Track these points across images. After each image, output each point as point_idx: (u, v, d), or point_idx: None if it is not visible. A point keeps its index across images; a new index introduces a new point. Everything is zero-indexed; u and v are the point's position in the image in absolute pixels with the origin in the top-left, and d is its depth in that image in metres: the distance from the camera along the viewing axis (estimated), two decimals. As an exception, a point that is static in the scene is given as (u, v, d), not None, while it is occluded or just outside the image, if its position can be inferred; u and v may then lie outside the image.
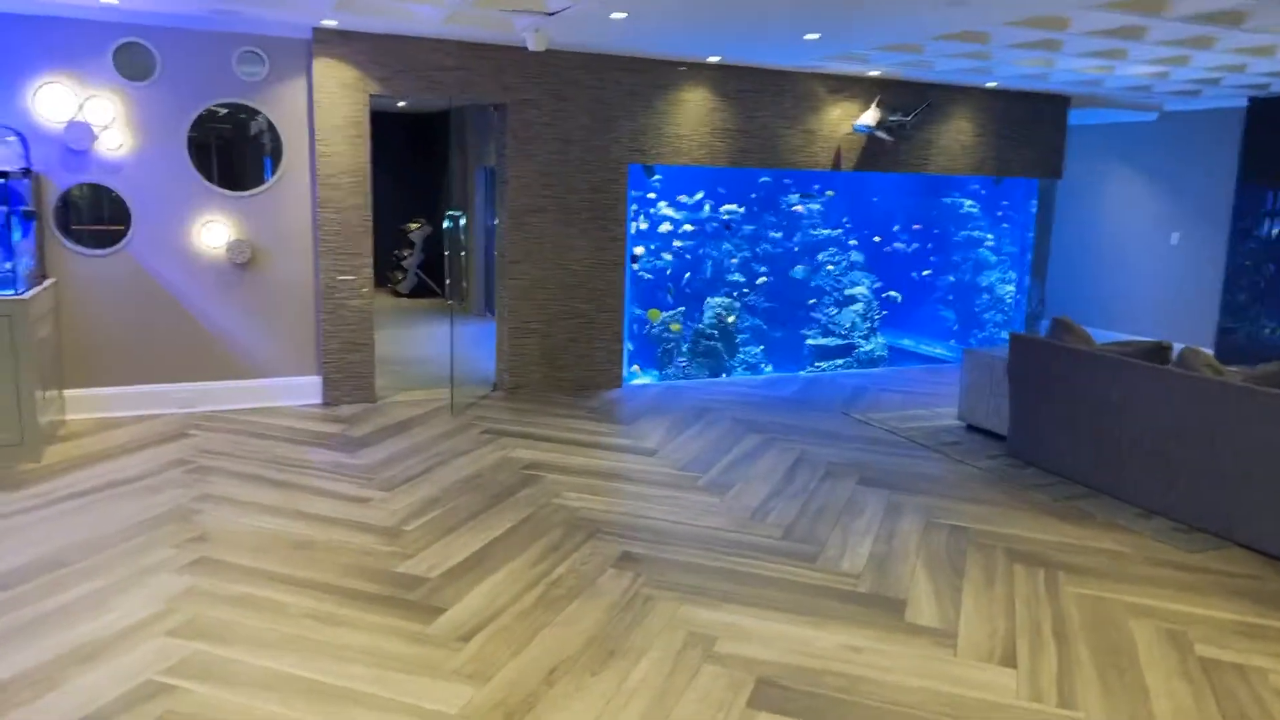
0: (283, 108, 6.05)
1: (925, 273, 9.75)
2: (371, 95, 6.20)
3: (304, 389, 6.36)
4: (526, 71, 6.56)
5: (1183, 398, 4.57)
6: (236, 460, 5.10)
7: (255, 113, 6.00)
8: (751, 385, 7.59)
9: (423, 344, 8.73)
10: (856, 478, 5.17)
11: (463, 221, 6.36)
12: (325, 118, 6.08)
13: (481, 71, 6.43)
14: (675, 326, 7.80)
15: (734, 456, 5.49)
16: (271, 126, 6.04)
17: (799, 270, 8.79)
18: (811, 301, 9.47)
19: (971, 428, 6.31)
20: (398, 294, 12.39)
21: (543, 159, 6.72)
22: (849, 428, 6.25)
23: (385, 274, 12.75)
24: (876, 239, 9.90)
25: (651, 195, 8.86)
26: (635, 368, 8.30)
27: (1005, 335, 9.78)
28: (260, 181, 6.08)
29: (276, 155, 6.09)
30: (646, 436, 5.87)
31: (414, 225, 12.46)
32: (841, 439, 5.96)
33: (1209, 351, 7.70)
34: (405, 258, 12.62)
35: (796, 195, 9.18)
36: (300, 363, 6.34)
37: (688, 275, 9.09)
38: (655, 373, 8.72)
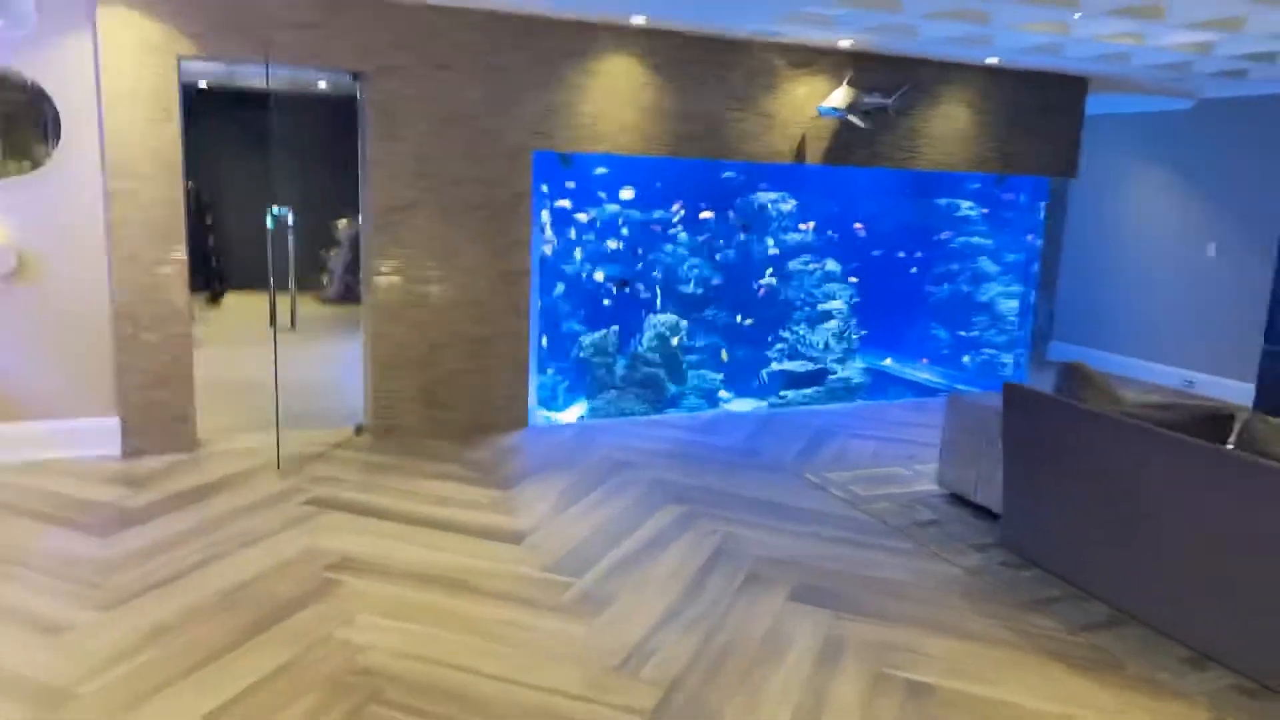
0: (59, 72, 4.63)
1: (852, 279, 8.27)
2: (182, 56, 4.78)
3: (99, 436, 4.95)
4: (396, 32, 5.14)
5: (1251, 491, 3.14)
6: (-68, 551, 3.70)
7: (19, 78, 4.58)
8: (692, 427, 6.16)
9: (326, 365, 7.32)
10: (790, 586, 3.74)
11: (290, 219, 4.94)
12: (118, 86, 4.66)
13: (335, 29, 5.01)
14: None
15: (632, 545, 4.07)
16: (44, 96, 4.62)
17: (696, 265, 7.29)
18: (747, 321, 8.01)
19: (955, 498, 4.87)
20: (323, 300, 10.99)
21: (416, 142, 5.30)
22: (798, 495, 4.82)
23: (311, 277, 11.37)
24: (823, 233, 8.43)
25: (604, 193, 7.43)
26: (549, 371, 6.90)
27: (1006, 360, 8.34)
28: (27, 168, 4.67)
29: (51, 135, 4.67)
30: (525, 509, 4.45)
31: (343, 222, 11.06)
32: (784, 514, 4.53)
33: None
34: (331, 258, 11.23)
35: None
36: (92, 401, 4.93)
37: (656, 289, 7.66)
38: (585, 399, 7.31)
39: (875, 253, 8.53)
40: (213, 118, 10.66)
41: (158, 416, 5.00)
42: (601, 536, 4.15)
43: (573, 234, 7.49)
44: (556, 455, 5.33)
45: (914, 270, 8.65)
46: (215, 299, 10.44)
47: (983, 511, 4.65)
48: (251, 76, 9.74)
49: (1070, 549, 3.86)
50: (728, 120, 6.06)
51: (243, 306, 10.02)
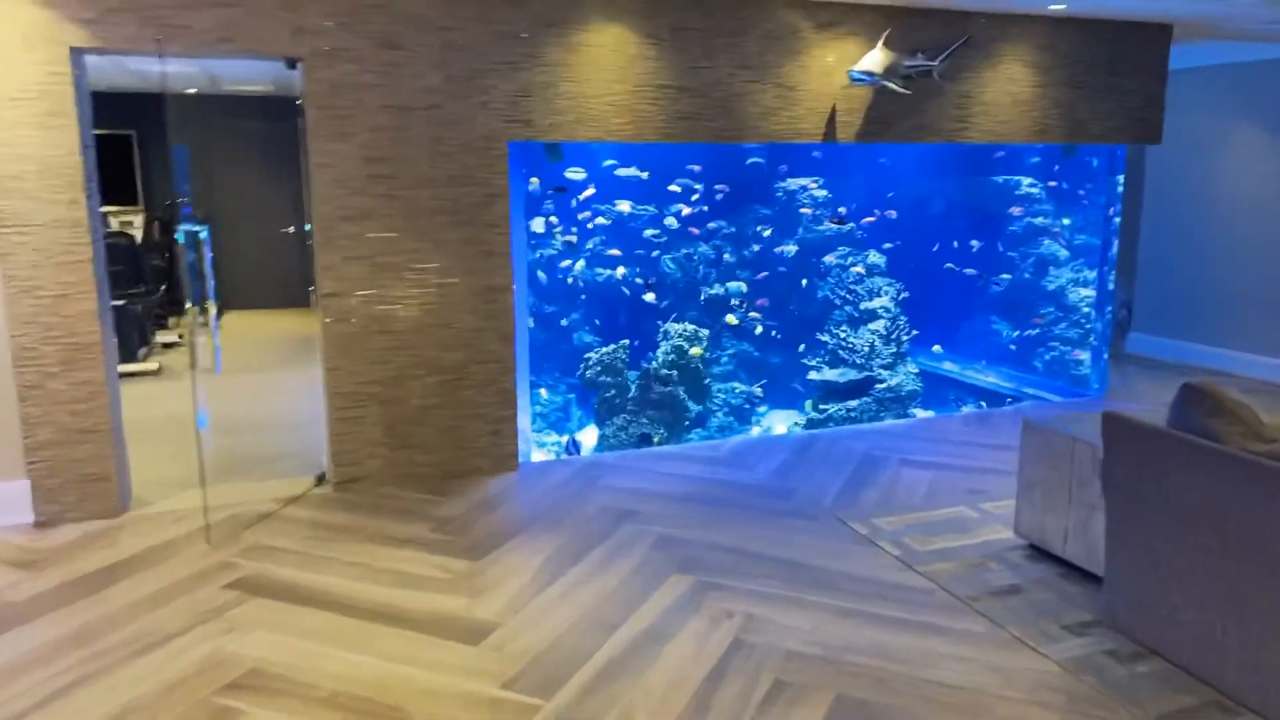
0: (-72, 73, 3.89)
1: (879, 265, 7.31)
2: (76, 49, 4.00)
3: (8, 502, 4.20)
4: (336, 8, 4.30)
5: None
6: None
7: (-117, 83, 3.84)
8: (713, 459, 5.24)
9: (311, 397, 6.56)
10: (828, 700, 2.82)
11: (203, 236, 4.16)
12: (-2, 87, 3.90)
13: (259, 9, 4.19)
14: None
15: (623, 640, 3.18)
16: (-89, 103, 3.88)
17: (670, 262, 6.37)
18: (752, 317, 7.10)
19: (1037, 550, 3.90)
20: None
21: (366, 139, 4.46)
22: (838, 552, 3.89)
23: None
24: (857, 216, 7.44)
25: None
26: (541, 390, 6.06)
27: (1081, 358, 7.26)
28: (-99, 190, 3.93)
29: (-77, 148, 3.92)
30: (496, 587, 3.58)
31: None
32: (820, 582, 3.61)
33: None
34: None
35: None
36: (-3, 463, 4.19)
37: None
38: (594, 423, 6.44)
39: (922, 242, 7.52)
40: (205, 127, 10.01)
41: (74, 477, 4.24)
42: (585, 628, 3.27)
43: (558, 236, 6.63)
44: (546, 506, 4.46)
45: (973, 259, 7.62)
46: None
47: (1076, 571, 3.67)
48: (241, 80, 9.07)
49: (1206, 635, 2.88)
50: (742, 95, 5.12)
51: (244, 328, 9.32)
